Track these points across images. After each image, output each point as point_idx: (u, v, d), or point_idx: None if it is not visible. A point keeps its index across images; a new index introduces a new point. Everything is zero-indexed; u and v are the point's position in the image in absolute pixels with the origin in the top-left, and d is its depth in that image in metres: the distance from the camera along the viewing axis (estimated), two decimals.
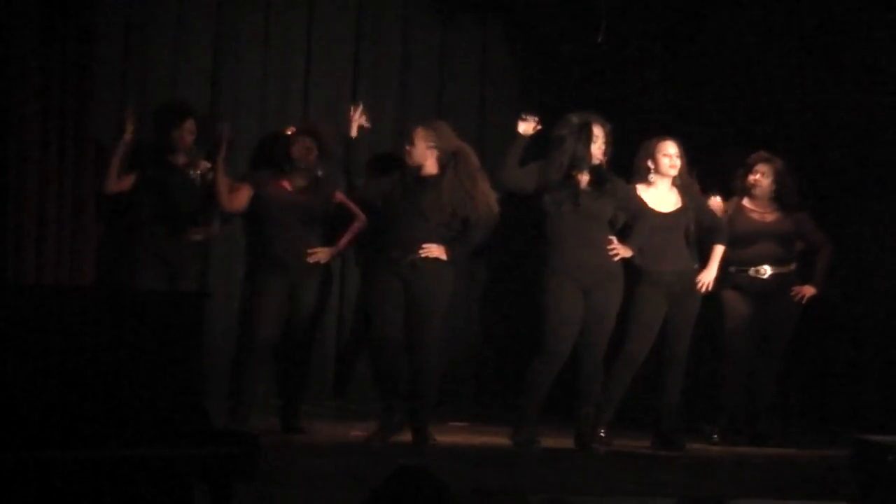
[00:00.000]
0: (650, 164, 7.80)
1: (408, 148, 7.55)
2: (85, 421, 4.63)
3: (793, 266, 8.22)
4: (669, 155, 7.79)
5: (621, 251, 7.52)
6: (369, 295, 7.59)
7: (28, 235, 7.84)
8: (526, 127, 7.54)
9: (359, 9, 9.37)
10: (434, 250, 7.41)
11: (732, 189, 8.25)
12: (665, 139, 7.82)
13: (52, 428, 4.55)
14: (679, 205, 7.81)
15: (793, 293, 8.19)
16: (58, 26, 7.93)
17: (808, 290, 8.23)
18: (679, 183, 7.82)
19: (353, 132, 7.62)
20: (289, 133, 7.92)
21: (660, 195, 7.80)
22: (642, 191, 7.79)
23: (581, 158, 7.46)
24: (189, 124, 7.88)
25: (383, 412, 7.44)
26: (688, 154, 7.85)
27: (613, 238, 7.52)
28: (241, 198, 7.81)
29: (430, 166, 7.53)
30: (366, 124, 7.69)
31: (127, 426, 4.69)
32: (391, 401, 7.42)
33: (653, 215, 7.73)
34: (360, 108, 7.67)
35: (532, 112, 7.62)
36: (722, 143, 8.52)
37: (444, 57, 9.58)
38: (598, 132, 7.52)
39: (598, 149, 7.51)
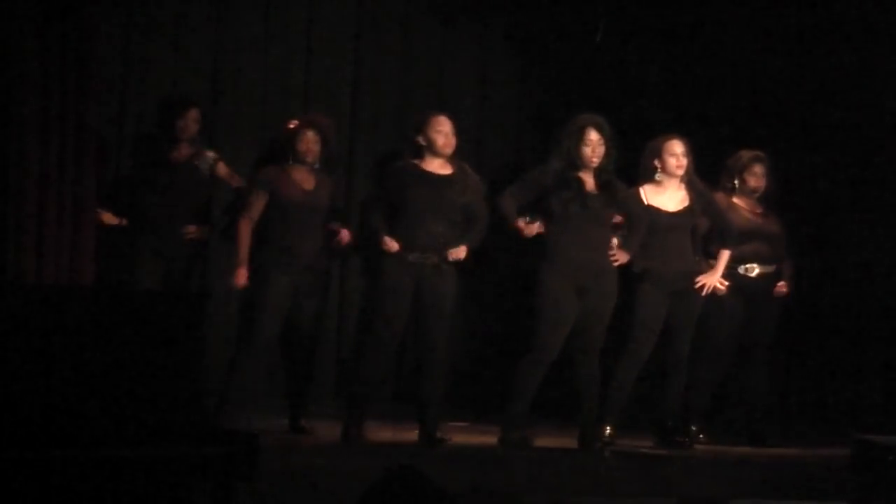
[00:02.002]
0: (657, 163, 7.78)
1: (449, 138, 7.49)
2: (85, 421, 4.63)
3: (775, 266, 8.17)
4: (676, 154, 7.76)
5: (620, 257, 7.53)
6: (380, 293, 7.48)
7: (28, 235, 7.84)
8: (528, 231, 7.44)
9: (359, 9, 9.38)
10: (461, 252, 7.43)
11: (722, 188, 8.17)
12: (671, 138, 7.79)
13: (52, 428, 4.55)
14: (686, 203, 7.79)
15: (775, 291, 8.14)
16: (58, 26, 7.93)
17: (784, 288, 8.18)
18: (687, 181, 7.81)
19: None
20: (292, 126, 7.84)
21: (667, 195, 7.78)
22: (650, 191, 7.77)
23: (574, 159, 7.46)
24: (193, 113, 7.89)
25: (349, 406, 7.44)
26: (694, 152, 7.83)
27: (614, 242, 7.53)
28: (260, 207, 7.68)
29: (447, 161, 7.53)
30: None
31: (127, 426, 4.69)
32: (357, 395, 7.43)
33: (659, 215, 7.72)
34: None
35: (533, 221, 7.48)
36: (722, 143, 8.51)
37: (444, 57, 9.58)
38: (592, 135, 7.51)
39: (590, 150, 7.49)
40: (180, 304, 5.27)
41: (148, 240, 7.80)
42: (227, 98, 9.02)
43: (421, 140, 7.50)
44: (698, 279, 7.76)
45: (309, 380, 7.81)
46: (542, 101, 8.78)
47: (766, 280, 8.08)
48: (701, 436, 7.96)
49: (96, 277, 7.85)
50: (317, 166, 7.73)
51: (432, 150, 7.49)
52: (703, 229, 7.94)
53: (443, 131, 7.49)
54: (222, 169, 7.95)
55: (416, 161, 7.51)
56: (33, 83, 7.85)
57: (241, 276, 7.53)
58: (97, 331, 4.78)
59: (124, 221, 7.83)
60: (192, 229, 7.87)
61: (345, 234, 7.72)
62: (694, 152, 7.82)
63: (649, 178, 7.78)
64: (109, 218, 7.77)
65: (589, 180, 7.52)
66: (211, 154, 7.95)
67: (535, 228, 7.38)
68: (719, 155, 8.31)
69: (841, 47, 9.33)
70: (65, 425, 4.58)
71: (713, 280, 7.80)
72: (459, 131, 7.64)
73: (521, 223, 7.42)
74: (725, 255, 7.86)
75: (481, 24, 9.62)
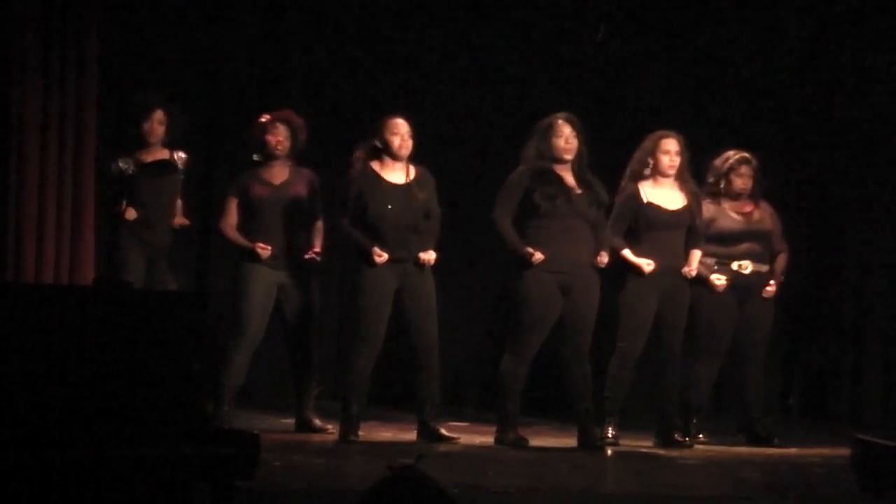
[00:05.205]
0: (650, 161, 7.75)
1: (405, 140, 7.48)
2: (85, 421, 4.63)
3: (768, 265, 8.12)
4: (669, 152, 7.73)
5: (604, 258, 7.52)
6: (366, 295, 7.49)
7: (28, 235, 7.86)
8: (535, 259, 7.36)
9: (359, 9, 9.38)
10: (432, 256, 7.45)
11: (708, 191, 8.07)
12: (666, 136, 7.75)
13: (52, 428, 4.55)
14: (684, 202, 7.76)
15: (764, 293, 8.05)
16: (58, 26, 7.94)
17: (772, 289, 8.10)
18: (682, 178, 7.77)
19: None
20: (263, 120, 7.86)
21: (665, 192, 7.75)
22: (648, 188, 7.75)
23: (547, 152, 7.44)
24: (158, 115, 7.86)
25: (344, 408, 7.45)
26: (689, 149, 7.79)
27: (603, 254, 7.50)
28: (233, 209, 7.80)
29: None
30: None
31: (127, 426, 4.69)
32: (352, 396, 7.43)
33: (659, 212, 7.70)
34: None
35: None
36: (722, 144, 8.49)
37: (444, 57, 9.57)
38: (563, 128, 7.49)
39: (563, 141, 7.46)
40: (180, 304, 5.27)
41: (132, 239, 7.77)
42: (228, 98, 9.02)
43: (377, 143, 7.48)
44: (683, 270, 7.72)
45: (310, 374, 7.81)
46: (542, 101, 8.75)
47: (760, 278, 8.04)
48: (701, 436, 7.95)
49: (95, 277, 7.89)
50: (287, 160, 7.79)
51: (388, 152, 7.47)
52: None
53: (399, 133, 7.47)
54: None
55: (375, 167, 7.48)
56: (33, 83, 7.87)
57: (262, 250, 7.63)
58: (97, 331, 4.77)
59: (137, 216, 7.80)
60: (178, 222, 7.96)
61: (315, 253, 7.76)
62: (689, 150, 7.79)
63: (644, 175, 7.75)
64: (130, 213, 7.75)
65: (568, 177, 7.50)
66: (180, 155, 7.94)
67: (539, 257, 7.36)
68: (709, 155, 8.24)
69: (841, 47, 9.34)
70: (65, 425, 4.58)
71: (691, 273, 7.75)
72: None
73: (528, 251, 7.37)
74: (697, 255, 7.82)
75: (481, 24, 9.61)
